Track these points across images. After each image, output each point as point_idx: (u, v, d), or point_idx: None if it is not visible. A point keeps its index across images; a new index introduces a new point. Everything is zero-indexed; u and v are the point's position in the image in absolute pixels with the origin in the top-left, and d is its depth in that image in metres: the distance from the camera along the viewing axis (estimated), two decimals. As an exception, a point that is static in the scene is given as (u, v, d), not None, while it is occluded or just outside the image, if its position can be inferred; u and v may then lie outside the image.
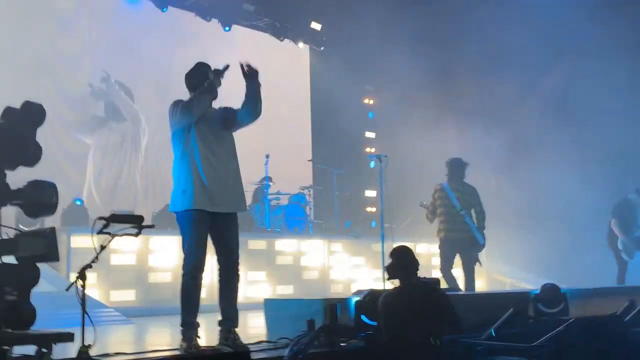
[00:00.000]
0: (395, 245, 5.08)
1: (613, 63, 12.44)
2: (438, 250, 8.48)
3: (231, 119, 5.24)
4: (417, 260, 4.87)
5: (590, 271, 12.26)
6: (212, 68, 5.18)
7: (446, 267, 8.09)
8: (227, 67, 5.14)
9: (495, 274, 13.19)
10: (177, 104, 5.02)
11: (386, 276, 4.92)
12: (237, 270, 5.01)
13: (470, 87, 13.48)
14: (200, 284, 4.94)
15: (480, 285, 12.87)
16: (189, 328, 4.86)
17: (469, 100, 13.37)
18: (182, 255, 4.90)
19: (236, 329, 4.97)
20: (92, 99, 12.05)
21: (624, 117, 12.42)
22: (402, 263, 4.81)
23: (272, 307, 5.85)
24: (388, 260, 4.90)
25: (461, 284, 8.07)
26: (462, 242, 8.17)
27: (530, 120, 13.41)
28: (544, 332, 5.48)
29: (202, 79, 5.11)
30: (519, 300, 6.06)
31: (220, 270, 5.01)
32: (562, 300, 6.31)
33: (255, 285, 9.84)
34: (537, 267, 12.83)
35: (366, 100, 15.71)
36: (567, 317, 6.02)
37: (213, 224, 4.90)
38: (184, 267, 4.88)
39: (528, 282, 12.26)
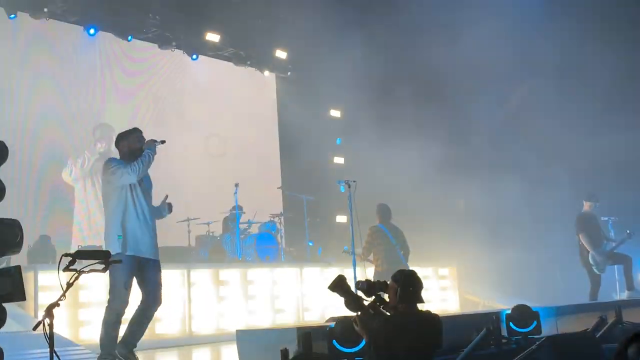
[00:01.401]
0: (406, 269, 5.02)
1: (573, 81, 12.72)
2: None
3: None
4: (422, 285, 4.82)
5: (562, 288, 12.40)
6: (147, 139, 6.06)
7: None
8: (163, 142, 6.12)
9: (468, 294, 13.24)
10: (120, 163, 5.84)
11: (398, 299, 4.76)
12: (153, 305, 5.98)
13: (437, 108, 13.65)
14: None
15: (453, 305, 12.93)
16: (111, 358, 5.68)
17: (435, 122, 13.52)
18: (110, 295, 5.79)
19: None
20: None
21: (591, 134, 12.67)
22: (417, 288, 4.75)
23: (245, 338, 5.78)
24: (397, 284, 4.73)
25: None
26: None
27: (497, 139, 13.61)
28: (517, 351, 5.51)
29: (140, 144, 5.97)
30: (492, 321, 6.08)
31: (142, 303, 5.97)
32: (534, 319, 6.35)
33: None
34: (510, 286, 12.92)
35: (334, 126, 15.78)
36: (540, 336, 6.06)
37: (139, 267, 5.78)
38: (114, 306, 5.77)
39: (501, 302, 12.32)
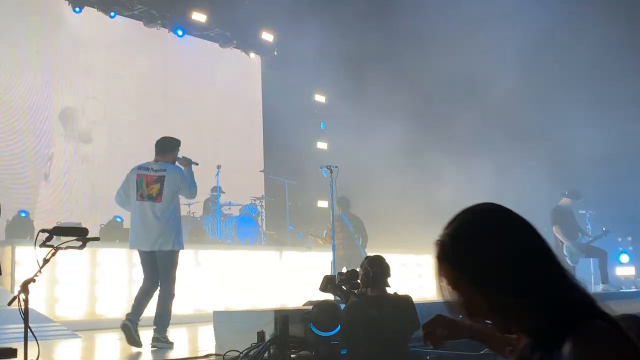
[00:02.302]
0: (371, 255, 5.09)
1: (557, 74, 12.77)
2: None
3: None
4: (390, 269, 4.90)
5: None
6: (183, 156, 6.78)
7: None
8: (196, 164, 6.89)
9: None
10: (191, 181, 6.68)
11: (362, 284, 4.85)
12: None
13: (418, 98, 13.66)
14: None
15: (430, 293, 13.01)
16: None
17: (417, 111, 13.54)
18: (170, 280, 6.46)
19: None
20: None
21: (573, 127, 12.75)
22: (383, 272, 4.81)
23: (222, 319, 5.78)
24: (367, 269, 4.83)
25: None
26: (355, 257, 9.60)
27: (479, 129, 13.65)
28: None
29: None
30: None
31: (154, 285, 6.52)
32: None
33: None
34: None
35: (318, 111, 15.76)
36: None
37: None
38: (174, 290, 6.47)
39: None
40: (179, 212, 6.66)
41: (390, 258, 12.71)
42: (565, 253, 10.19)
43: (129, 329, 6.08)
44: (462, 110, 13.56)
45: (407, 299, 4.79)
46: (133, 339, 6.08)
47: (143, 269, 6.51)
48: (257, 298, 10.41)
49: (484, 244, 1.56)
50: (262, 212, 12.56)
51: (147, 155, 6.70)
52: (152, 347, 6.14)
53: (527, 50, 13.04)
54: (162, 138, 6.76)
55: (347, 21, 13.25)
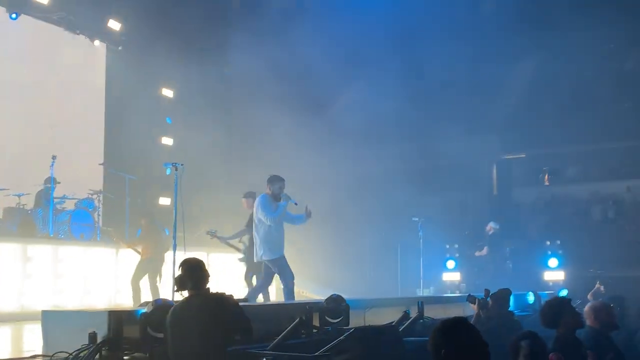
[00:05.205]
0: (186, 256, 5.04)
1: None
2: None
3: None
4: (207, 271, 4.84)
5: (371, 282, 13.04)
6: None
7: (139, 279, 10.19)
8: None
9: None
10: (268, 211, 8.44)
11: (175, 287, 4.84)
12: None
13: (270, 95, 13.76)
14: None
15: (270, 294, 13.13)
16: None
17: (267, 108, 13.63)
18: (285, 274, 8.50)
19: None
20: None
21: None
22: (192, 274, 4.76)
23: (51, 319, 5.48)
24: (178, 272, 4.82)
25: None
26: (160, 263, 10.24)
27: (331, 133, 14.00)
28: (327, 341, 5.71)
29: None
30: (305, 310, 6.24)
31: None
32: (344, 311, 6.59)
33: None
34: (323, 277, 13.37)
35: (165, 105, 15.36)
36: (348, 327, 6.31)
37: None
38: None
39: (314, 292, 12.70)
40: (265, 231, 8.33)
41: (230, 257, 12.52)
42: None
43: None
44: (308, 112, 13.82)
45: (220, 298, 4.77)
46: None
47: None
48: (90, 297, 10.00)
49: None
50: (99, 207, 12.06)
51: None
52: None
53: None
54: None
55: (199, 15, 13.09)
